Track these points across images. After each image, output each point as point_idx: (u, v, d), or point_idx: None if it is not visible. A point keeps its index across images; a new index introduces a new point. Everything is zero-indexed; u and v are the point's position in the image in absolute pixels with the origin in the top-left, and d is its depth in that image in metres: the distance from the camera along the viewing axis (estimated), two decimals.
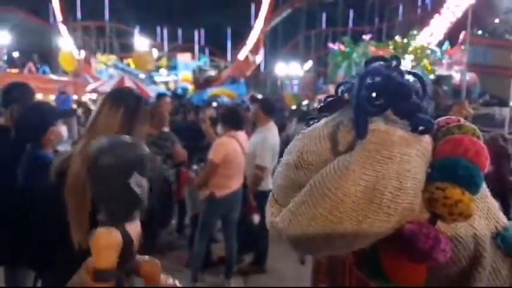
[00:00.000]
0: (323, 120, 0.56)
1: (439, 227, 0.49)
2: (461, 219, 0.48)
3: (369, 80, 0.49)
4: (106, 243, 0.45)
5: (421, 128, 0.49)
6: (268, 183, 3.56)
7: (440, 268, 0.50)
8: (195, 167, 4.15)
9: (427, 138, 0.50)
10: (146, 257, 0.51)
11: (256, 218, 3.56)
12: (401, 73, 0.51)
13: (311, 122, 0.57)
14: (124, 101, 1.67)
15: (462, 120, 0.55)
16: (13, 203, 1.94)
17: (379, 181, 0.46)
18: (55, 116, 2.09)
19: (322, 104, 0.58)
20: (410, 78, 0.53)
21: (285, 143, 3.58)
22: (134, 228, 0.50)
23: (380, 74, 0.49)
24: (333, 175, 0.48)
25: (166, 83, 22.42)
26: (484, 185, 0.52)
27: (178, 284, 0.52)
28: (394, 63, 0.52)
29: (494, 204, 0.55)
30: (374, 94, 0.49)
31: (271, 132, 3.72)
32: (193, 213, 3.97)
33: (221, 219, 3.61)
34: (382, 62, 0.52)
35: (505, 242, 0.51)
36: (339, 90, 0.56)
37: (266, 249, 3.87)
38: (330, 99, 0.57)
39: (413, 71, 0.54)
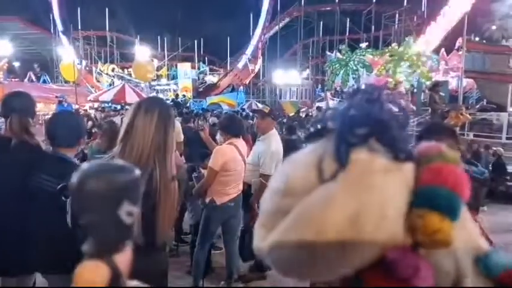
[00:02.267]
0: (309, 147, 0.57)
1: (422, 253, 0.50)
2: (441, 247, 0.49)
3: (352, 112, 0.52)
4: (91, 279, 0.41)
5: (401, 155, 0.51)
6: None
7: None
8: (195, 174, 4.18)
9: (408, 166, 0.51)
10: (136, 282, 0.49)
11: None
12: (382, 103, 0.54)
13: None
14: (157, 108, 1.77)
15: (444, 148, 0.56)
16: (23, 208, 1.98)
17: (362, 209, 0.47)
18: (85, 125, 2.18)
19: (309, 133, 0.59)
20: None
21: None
22: (124, 259, 0.45)
23: (361, 109, 0.52)
24: (318, 203, 0.49)
25: (165, 92, 22.48)
26: (464, 211, 0.53)
27: None
28: (376, 94, 0.54)
29: (475, 230, 0.56)
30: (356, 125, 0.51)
31: (274, 140, 3.78)
32: (195, 220, 3.99)
33: (221, 227, 3.63)
34: (365, 94, 0.55)
35: (488, 269, 0.52)
36: (326, 117, 0.58)
37: None
38: (317, 127, 0.59)
39: (393, 99, 0.56)
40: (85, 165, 0.45)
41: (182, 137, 4.80)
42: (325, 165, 0.53)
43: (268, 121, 3.90)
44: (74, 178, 0.44)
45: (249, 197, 3.71)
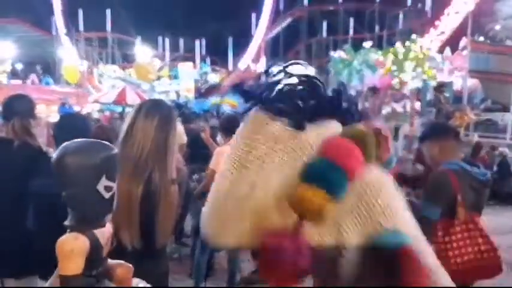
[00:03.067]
0: None
1: (307, 225, 0.49)
2: (312, 217, 0.48)
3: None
4: (70, 249, 0.43)
5: (302, 125, 0.52)
6: None
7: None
8: (196, 176, 4.14)
9: (306, 136, 0.51)
10: (119, 261, 0.49)
11: None
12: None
13: None
14: (159, 110, 1.77)
15: (381, 126, 0.58)
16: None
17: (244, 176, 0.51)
18: (91, 128, 2.23)
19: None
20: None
21: None
22: (104, 232, 0.48)
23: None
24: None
25: (167, 93, 22.50)
26: (373, 190, 0.52)
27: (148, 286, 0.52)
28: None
29: (383, 208, 0.53)
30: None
31: None
32: (196, 223, 3.96)
33: None
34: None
35: (385, 244, 0.50)
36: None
37: None
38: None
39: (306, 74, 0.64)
40: (66, 144, 0.47)
41: (185, 138, 4.74)
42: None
43: None
44: (55, 155, 0.46)
45: None
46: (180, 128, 4.55)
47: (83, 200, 0.45)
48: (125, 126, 1.76)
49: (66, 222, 0.46)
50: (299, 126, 0.53)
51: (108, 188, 0.46)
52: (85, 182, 0.45)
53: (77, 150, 0.45)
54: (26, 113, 2.20)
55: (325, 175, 0.48)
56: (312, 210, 0.47)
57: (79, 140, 0.47)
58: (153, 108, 1.77)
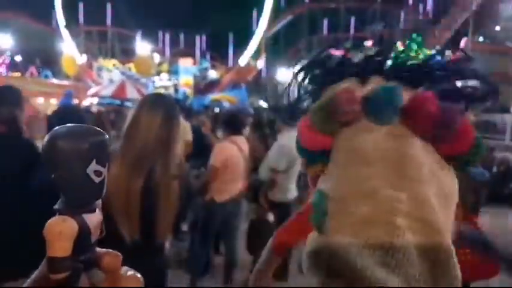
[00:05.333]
0: None
1: None
2: None
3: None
4: (58, 230, 0.42)
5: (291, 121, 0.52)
6: (286, 194, 3.61)
7: None
8: (195, 172, 4.14)
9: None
10: (107, 250, 0.49)
11: (270, 217, 3.59)
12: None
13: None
14: (163, 104, 1.77)
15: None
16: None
17: None
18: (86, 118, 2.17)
19: None
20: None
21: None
22: (94, 218, 0.47)
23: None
24: None
25: (166, 88, 22.47)
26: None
27: (139, 276, 0.50)
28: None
29: None
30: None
31: (285, 135, 3.69)
32: (192, 219, 3.95)
33: (221, 225, 3.59)
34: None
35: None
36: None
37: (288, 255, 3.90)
38: None
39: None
40: (56, 128, 0.47)
41: (190, 136, 4.61)
42: None
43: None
44: (45, 138, 0.45)
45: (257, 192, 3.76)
46: (185, 125, 4.53)
47: (72, 183, 0.44)
48: (128, 120, 1.75)
49: (56, 206, 0.45)
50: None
51: (97, 173, 0.46)
52: (74, 165, 0.44)
53: (67, 134, 0.45)
54: (13, 104, 2.14)
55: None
56: None
57: (70, 124, 0.47)
58: (157, 103, 1.76)
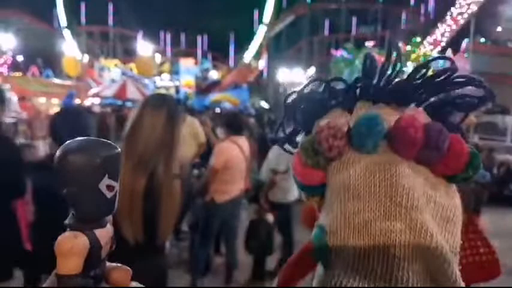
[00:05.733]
0: None
1: None
2: None
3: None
4: (69, 247, 0.41)
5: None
6: (286, 195, 3.62)
7: None
8: (196, 172, 4.14)
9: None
10: (117, 264, 0.48)
11: (270, 217, 3.59)
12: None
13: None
14: (165, 104, 1.76)
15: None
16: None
17: None
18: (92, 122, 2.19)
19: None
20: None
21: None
22: (105, 233, 0.47)
23: None
24: None
25: (167, 88, 22.47)
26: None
27: None
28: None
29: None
30: None
31: None
32: (192, 219, 3.95)
33: (221, 226, 3.59)
34: None
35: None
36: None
37: (289, 255, 3.89)
38: None
39: None
40: (68, 142, 0.45)
41: (203, 138, 4.52)
42: None
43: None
44: (57, 153, 0.44)
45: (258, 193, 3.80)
46: (198, 126, 4.53)
47: (84, 198, 0.43)
48: (130, 120, 1.75)
49: (66, 221, 0.44)
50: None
51: (110, 188, 0.44)
52: (86, 180, 0.43)
53: (79, 148, 0.44)
54: None
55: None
56: None
57: (82, 138, 0.46)
58: (159, 104, 1.76)
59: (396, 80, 0.46)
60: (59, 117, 2.10)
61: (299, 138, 0.50)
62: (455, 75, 0.45)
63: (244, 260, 3.86)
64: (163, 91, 20.88)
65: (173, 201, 1.76)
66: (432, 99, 0.45)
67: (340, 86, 0.47)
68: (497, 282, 2.20)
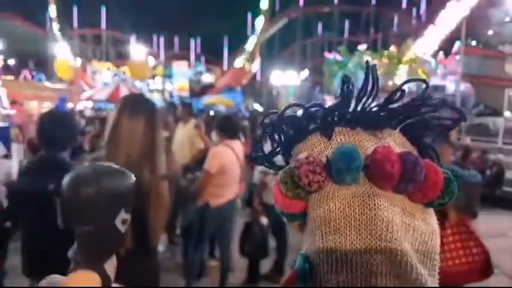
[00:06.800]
0: None
1: None
2: None
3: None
4: None
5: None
6: None
7: None
8: (190, 176, 4.13)
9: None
10: (118, 286, 0.45)
11: (264, 220, 3.59)
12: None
13: None
14: (143, 107, 1.73)
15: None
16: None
17: None
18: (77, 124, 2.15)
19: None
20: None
21: None
22: (112, 265, 0.42)
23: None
24: None
25: (161, 92, 22.40)
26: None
27: None
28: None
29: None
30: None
31: None
32: (185, 223, 3.94)
33: (216, 229, 3.58)
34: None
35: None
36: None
37: (283, 257, 3.89)
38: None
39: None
40: (78, 169, 0.41)
41: (201, 144, 4.46)
42: None
43: None
44: (66, 184, 0.40)
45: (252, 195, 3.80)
46: (196, 133, 4.50)
47: (98, 236, 0.39)
48: (110, 125, 1.71)
49: (72, 255, 0.40)
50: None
51: (125, 221, 0.42)
52: (103, 216, 0.39)
53: (96, 181, 0.39)
54: None
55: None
56: None
57: (93, 165, 0.42)
58: (137, 106, 1.72)
59: (373, 104, 0.47)
60: (46, 119, 2.06)
61: (277, 158, 0.51)
62: (430, 98, 0.46)
63: (238, 263, 3.85)
64: (156, 94, 20.86)
65: (162, 203, 1.75)
66: (408, 120, 0.47)
67: (318, 110, 0.48)
68: (489, 283, 2.22)
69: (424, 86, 0.47)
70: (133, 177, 0.42)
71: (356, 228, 0.40)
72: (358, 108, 0.47)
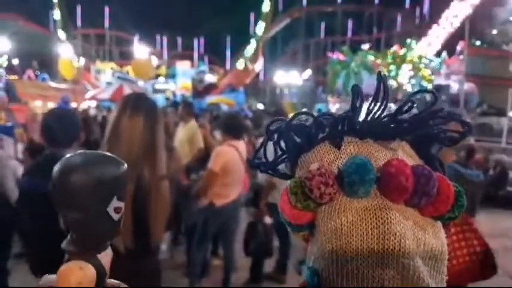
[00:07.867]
0: None
1: None
2: None
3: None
4: (77, 281, 0.37)
5: None
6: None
7: None
8: (193, 175, 4.13)
9: None
10: (114, 281, 0.44)
11: (268, 220, 3.60)
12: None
13: None
14: (143, 106, 1.72)
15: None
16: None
17: None
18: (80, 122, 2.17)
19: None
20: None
21: None
22: (106, 256, 0.41)
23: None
24: None
25: (164, 91, 22.43)
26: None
27: None
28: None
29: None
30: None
31: None
32: (189, 223, 3.94)
33: (220, 228, 3.58)
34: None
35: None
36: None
37: (286, 257, 3.90)
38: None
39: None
40: (69, 156, 0.40)
41: (202, 144, 4.46)
42: None
43: None
44: (56, 171, 0.39)
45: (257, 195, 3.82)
46: (198, 132, 4.50)
47: (90, 224, 0.39)
48: (110, 125, 1.71)
49: (65, 246, 0.39)
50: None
51: (118, 209, 0.41)
52: (94, 204, 0.39)
53: (84, 166, 0.38)
54: None
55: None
56: None
57: (84, 153, 0.41)
58: (137, 105, 1.72)
59: (383, 115, 0.46)
60: (50, 117, 2.07)
61: (282, 166, 0.50)
62: (439, 111, 0.46)
63: (242, 263, 3.86)
64: (160, 94, 20.89)
65: (163, 202, 1.74)
66: (417, 132, 0.47)
67: (327, 119, 0.47)
68: (492, 283, 2.22)
69: (433, 97, 0.47)
70: (125, 165, 0.41)
71: (368, 242, 0.39)
72: (368, 119, 0.46)
